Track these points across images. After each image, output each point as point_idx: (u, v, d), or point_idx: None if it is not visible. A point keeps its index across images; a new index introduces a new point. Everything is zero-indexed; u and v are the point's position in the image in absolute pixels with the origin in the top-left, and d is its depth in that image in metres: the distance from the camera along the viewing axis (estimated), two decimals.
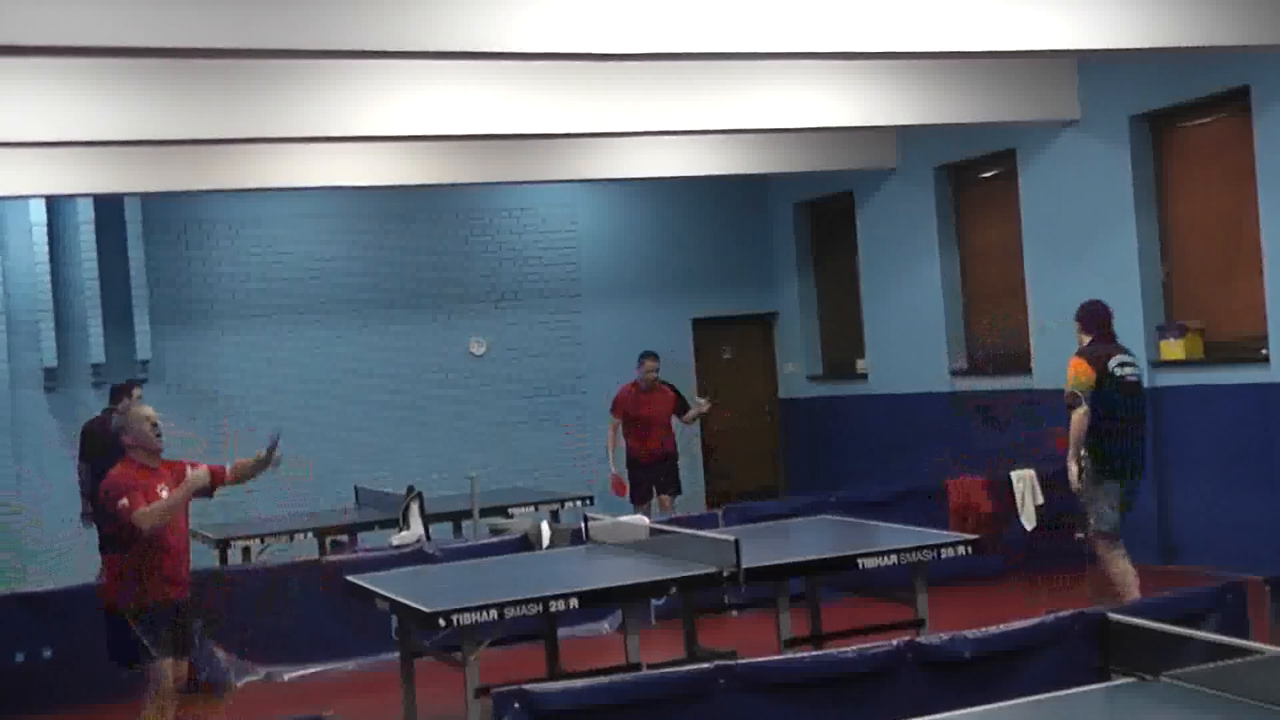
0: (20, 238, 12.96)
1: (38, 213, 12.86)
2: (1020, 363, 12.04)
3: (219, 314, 13.79)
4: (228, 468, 6.90)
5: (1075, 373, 8.12)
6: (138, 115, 8.71)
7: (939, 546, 7.23)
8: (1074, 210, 11.30)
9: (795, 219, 15.40)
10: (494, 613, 6.24)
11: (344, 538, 11.02)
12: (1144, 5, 8.03)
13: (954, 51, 8.00)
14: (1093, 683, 4.50)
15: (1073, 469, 8.10)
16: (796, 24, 7.48)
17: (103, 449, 10.91)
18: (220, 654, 8.87)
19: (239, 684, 8.97)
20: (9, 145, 9.33)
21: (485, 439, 14.46)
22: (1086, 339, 8.30)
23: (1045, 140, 11.50)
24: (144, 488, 6.51)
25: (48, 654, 8.76)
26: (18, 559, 12.42)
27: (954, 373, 12.99)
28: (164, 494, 6.52)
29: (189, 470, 6.66)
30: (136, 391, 11.08)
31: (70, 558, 11.89)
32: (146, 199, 13.10)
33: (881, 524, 8.52)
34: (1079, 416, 8.05)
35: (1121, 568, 8.08)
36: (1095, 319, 8.34)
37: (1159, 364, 10.57)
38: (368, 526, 11.15)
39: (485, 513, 10.76)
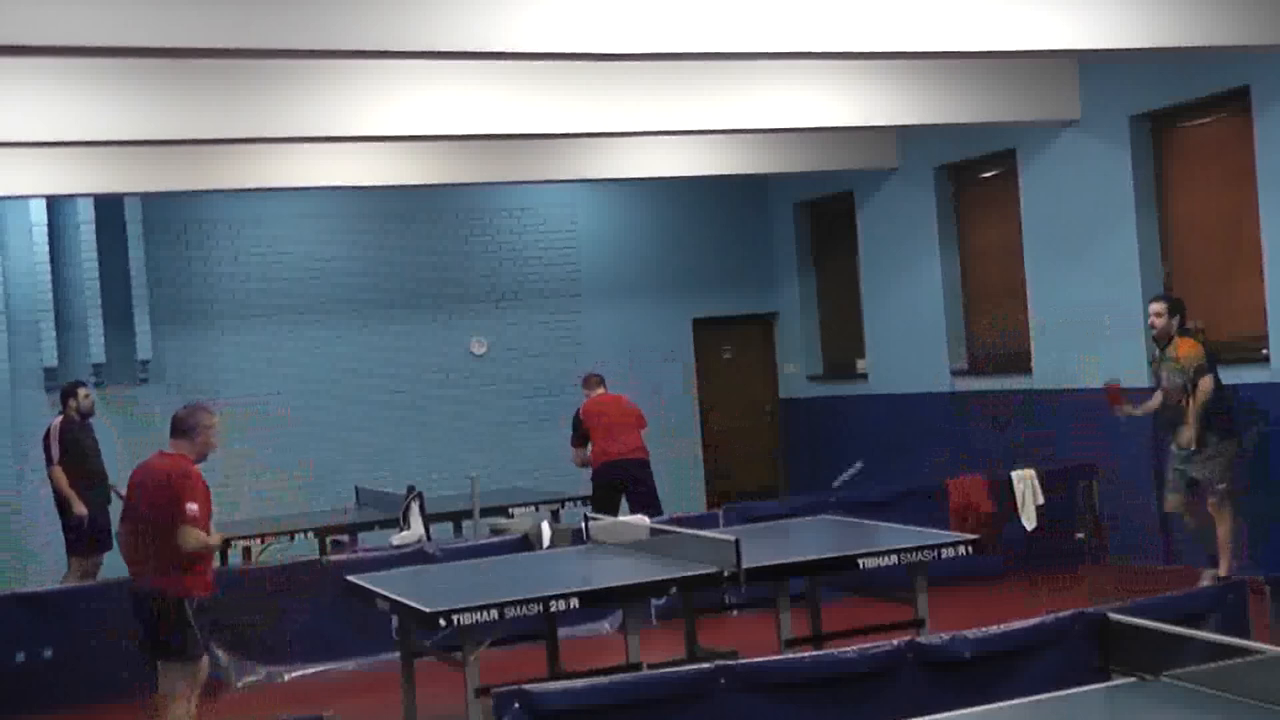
0: (20, 238, 12.97)
1: (38, 213, 12.86)
2: (1020, 363, 12.04)
3: (219, 314, 13.79)
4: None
5: (1193, 351, 9.22)
6: (138, 115, 8.71)
7: (939, 546, 7.23)
8: (1074, 210, 11.30)
9: (795, 219, 15.40)
10: (494, 613, 6.24)
11: (344, 538, 11.02)
12: (1144, 5, 8.03)
13: (954, 51, 8.00)
14: (1093, 683, 4.49)
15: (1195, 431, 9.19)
16: (796, 24, 7.48)
17: (82, 455, 11.01)
18: (220, 653, 8.86)
19: (239, 684, 8.97)
20: (9, 145, 9.33)
21: (486, 439, 14.47)
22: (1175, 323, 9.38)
23: (1045, 140, 11.50)
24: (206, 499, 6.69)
25: (48, 654, 8.76)
26: (18, 559, 12.42)
27: (954, 373, 12.99)
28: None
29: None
30: (83, 391, 11.17)
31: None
32: (146, 199, 13.10)
33: (881, 524, 8.52)
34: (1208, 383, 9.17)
35: (1231, 526, 9.23)
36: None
37: None
38: (368, 526, 11.15)
39: (486, 513, 10.76)
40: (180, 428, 6.78)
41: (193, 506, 6.52)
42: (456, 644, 6.48)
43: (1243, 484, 9.35)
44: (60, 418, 11.11)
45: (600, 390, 11.63)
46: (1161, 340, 9.46)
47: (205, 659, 6.81)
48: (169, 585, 6.62)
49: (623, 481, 11.25)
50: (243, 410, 13.55)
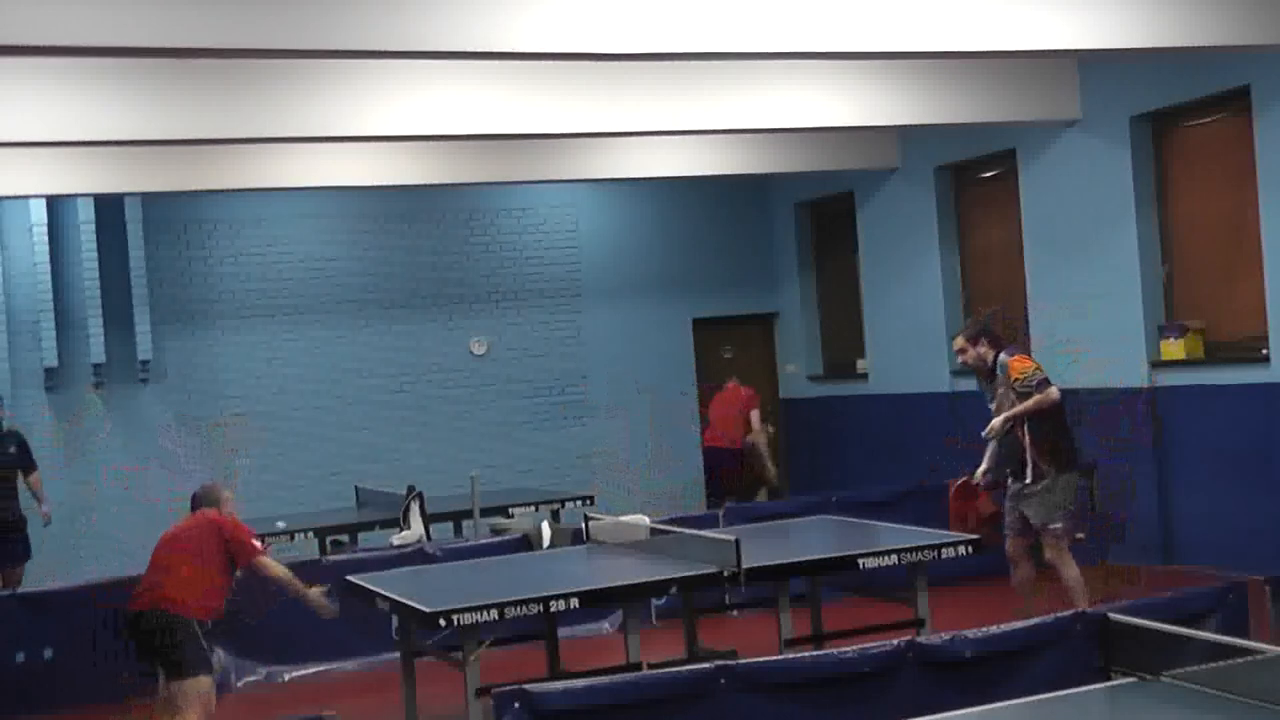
0: (20, 238, 12.97)
1: (38, 213, 12.86)
2: None
3: (220, 314, 13.79)
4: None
5: (1030, 365, 8.06)
6: (138, 115, 8.71)
7: (939, 546, 7.24)
8: (1074, 210, 11.30)
9: (796, 219, 15.40)
10: (494, 613, 6.25)
11: (344, 538, 11.02)
12: (1144, 5, 8.03)
13: (954, 51, 8.00)
14: (1093, 683, 4.50)
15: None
16: (796, 24, 7.48)
17: None
18: (220, 654, 8.86)
19: (239, 684, 8.97)
20: (9, 145, 9.32)
21: (486, 439, 14.46)
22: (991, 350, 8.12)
23: (1045, 140, 11.50)
24: None
25: (48, 654, 8.77)
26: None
27: (954, 373, 12.98)
28: None
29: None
30: None
31: (73, 556, 11.97)
32: (146, 199, 13.10)
33: (882, 524, 8.52)
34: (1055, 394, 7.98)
35: (1077, 571, 8.02)
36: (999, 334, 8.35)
37: (1159, 364, 10.57)
38: (368, 526, 11.15)
39: (486, 512, 10.76)
40: (206, 500, 7.23)
41: (258, 544, 7.09)
42: (456, 644, 6.48)
43: (1080, 527, 8.13)
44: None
45: (731, 383, 13.80)
46: (983, 374, 8.16)
47: (212, 678, 6.88)
48: (188, 607, 6.82)
49: (717, 467, 13.64)
50: (243, 410, 13.58)
